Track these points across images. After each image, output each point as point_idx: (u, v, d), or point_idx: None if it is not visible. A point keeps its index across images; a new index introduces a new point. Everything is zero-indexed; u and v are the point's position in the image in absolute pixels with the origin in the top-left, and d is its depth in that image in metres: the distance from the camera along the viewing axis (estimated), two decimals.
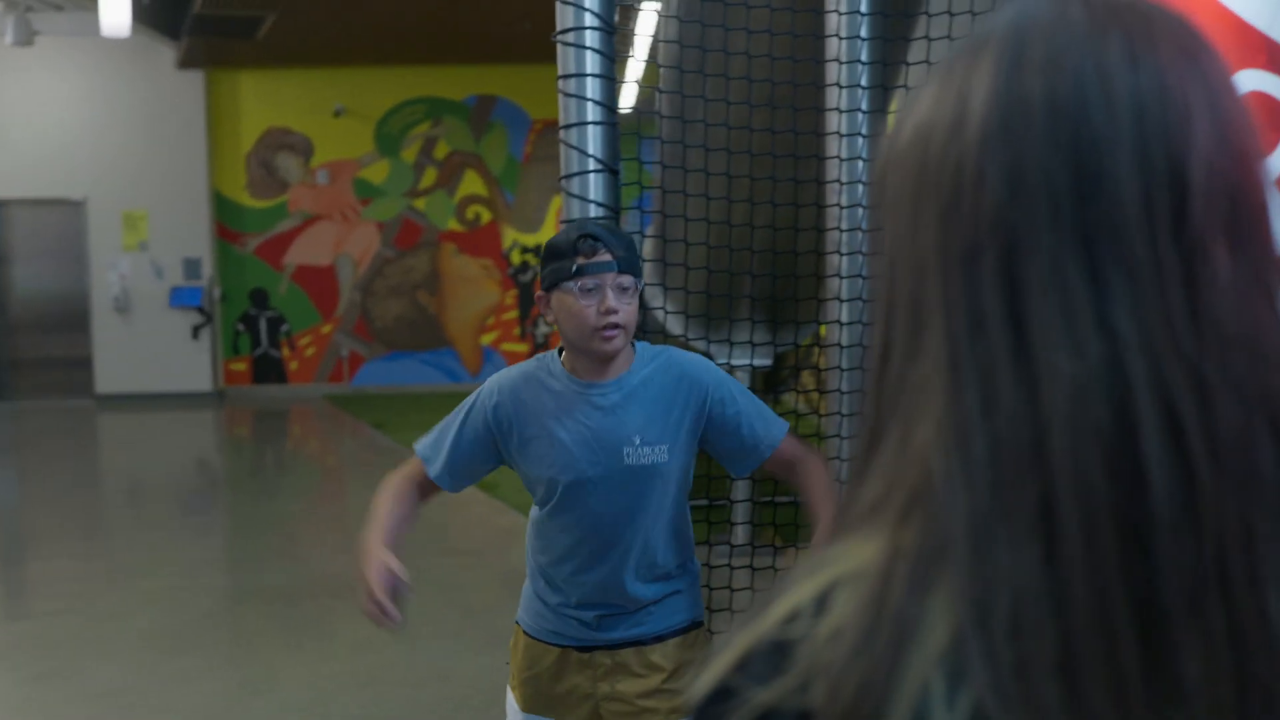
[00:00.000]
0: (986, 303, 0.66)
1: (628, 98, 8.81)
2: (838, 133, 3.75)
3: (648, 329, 5.45)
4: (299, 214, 15.76)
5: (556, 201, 15.79)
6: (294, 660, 5.40)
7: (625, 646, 2.55)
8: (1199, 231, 0.65)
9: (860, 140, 3.75)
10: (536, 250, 16.10)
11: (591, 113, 3.13)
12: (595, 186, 3.14)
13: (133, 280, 15.21)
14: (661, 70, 4.29)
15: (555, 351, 2.56)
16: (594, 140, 3.14)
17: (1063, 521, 0.63)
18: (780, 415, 2.63)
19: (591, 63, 3.13)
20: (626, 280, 2.42)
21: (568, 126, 3.16)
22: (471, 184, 16.01)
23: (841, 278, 3.76)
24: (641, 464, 2.46)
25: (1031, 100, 0.66)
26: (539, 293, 2.50)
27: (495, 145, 16.00)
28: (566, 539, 2.54)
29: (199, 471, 11.44)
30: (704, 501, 4.47)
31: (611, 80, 3.20)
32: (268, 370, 15.87)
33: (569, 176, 3.16)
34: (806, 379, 7.08)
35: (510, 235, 16.07)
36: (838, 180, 3.77)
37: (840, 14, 3.74)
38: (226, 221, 15.62)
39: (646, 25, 6.01)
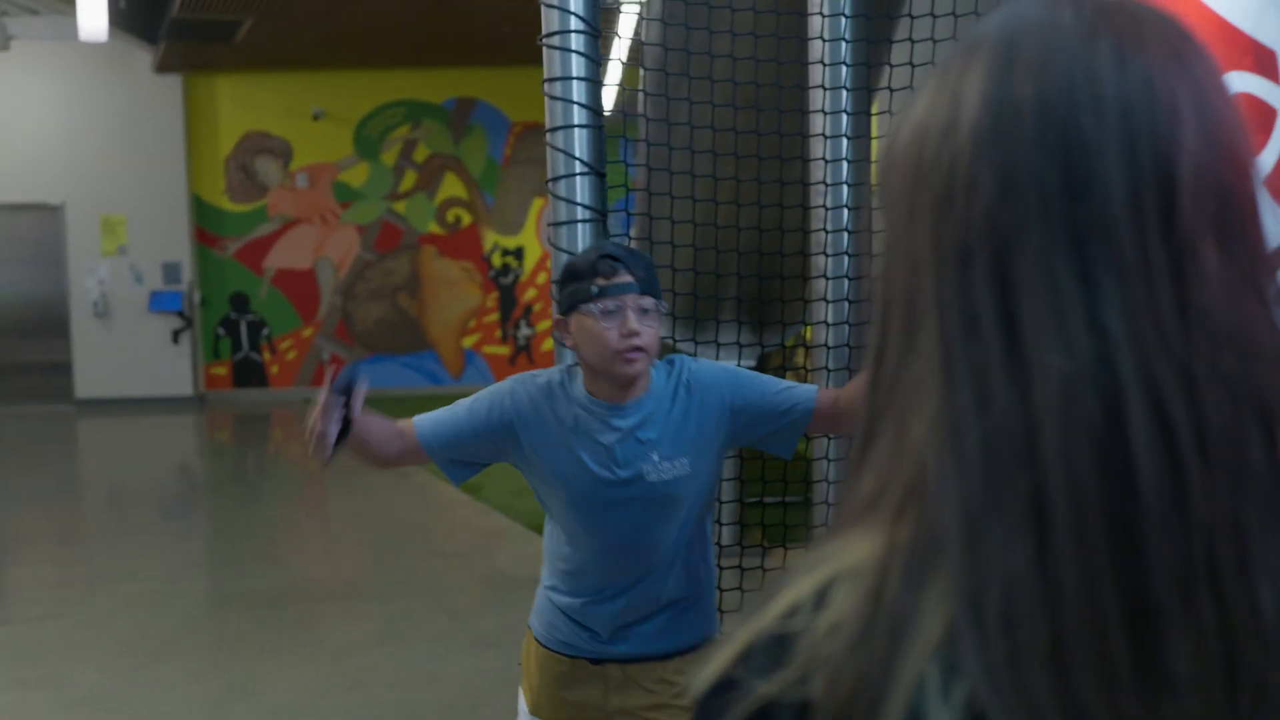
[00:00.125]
0: (979, 302, 0.67)
1: (607, 100, 8.81)
2: (822, 134, 3.77)
3: None
4: (279, 218, 15.72)
5: (537, 204, 15.80)
6: (277, 665, 5.39)
7: (637, 661, 2.51)
8: (1188, 230, 0.65)
9: (844, 142, 3.76)
10: (517, 253, 16.10)
11: (578, 116, 3.14)
12: (582, 189, 3.14)
13: (112, 285, 15.15)
14: (644, 73, 4.29)
15: (576, 368, 2.50)
16: (580, 143, 3.14)
17: (1053, 516, 0.64)
18: None
19: (577, 66, 3.14)
20: (647, 302, 2.37)
21: (554, 129, 3.16)
22: (451, 187, 16.00)
23: (827, 279, 3.77)
24: (663, 480, 2.42)
25: (1022, 103, 0.67)
26: (556, 316, 2.45)
27: (475, 148, 15.99)
28: (586, 554, 2.49)
29: (180, 476, 11.40)
30: None
31: (597, 83, 3.21)
32: (249, 374, 15.83)
33: (556, 179, 3.16)
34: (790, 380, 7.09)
35: (491, 238, 16.07)
36: (822, 182, 3.78)
37: (823, 16, 3.76)
38: (206, 225, 15.57)
39: (626, 27, 6.02)
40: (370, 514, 8.73)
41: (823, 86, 3.76)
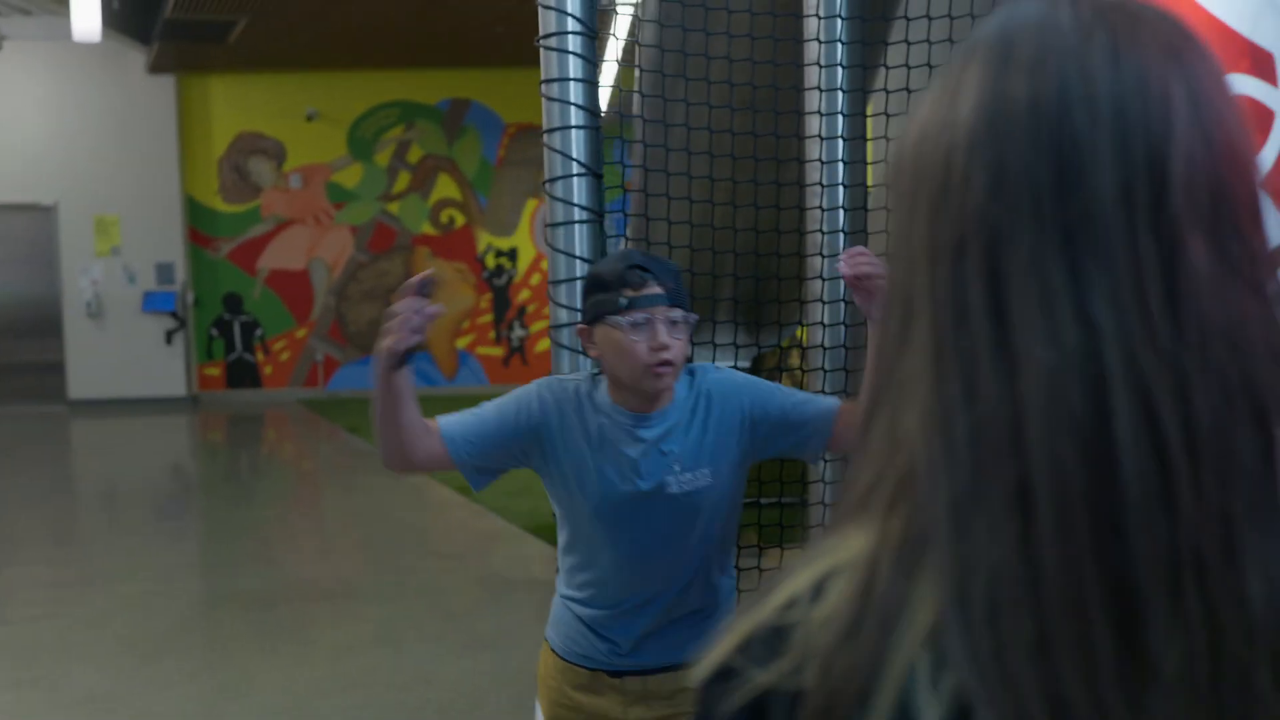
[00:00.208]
0: (970, 295, 0.68)
1: (602, 101, 8.81)
2: (818, 136, 3.77)
3: None
4: (272, 218, 15.72)
5: (530, 205, 15.81)
6: (271, 665, 5.39)
7: (657, 672, 2.46)
8: (1178, 224, 0.66)
9: (840, 143, 3.77)
10: (511, 254, 16.10)
11: (575, 117, 3.14)
12: (579, 190, 3.15)
13: (105, 285, 15.14)
14: (639, 74, 4.30)
15: (600, 376, 2.44)
16: (577, 144, 3.15)
17: (1037, 505, 0.64)
18: None
19: (574, 67, 3.14)
20: (677, 314, 2.31)
21: (551, 130, 3.17)
22: (445, 188, 16.00)
23: (823, 280, 3.78)
24: (685, 491, 2.37)
25: (1016, 101, 0.68)
26: (580, 325, 2.39)
27: (468, 149, 15.99)
28: (606, 565, 2.45)
29: (174, 477, 11.39)
30: None
31: (594, 84, 3.22)
32: (242, 375, 15.82)
33: (553, 180, 3.17)
34: (785, 381, 7.10)
35: (484, 239, 16.07)
36: (818, 183, 3.79)
37: (819, 18, 3.77)
38: (199, 226, 15.56)
39: (620, 28, 6.02)
40: (365, 515, 8.73)
41: (819, 88, 3.77)
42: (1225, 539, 0.65)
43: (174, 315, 15.32)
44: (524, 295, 16.17)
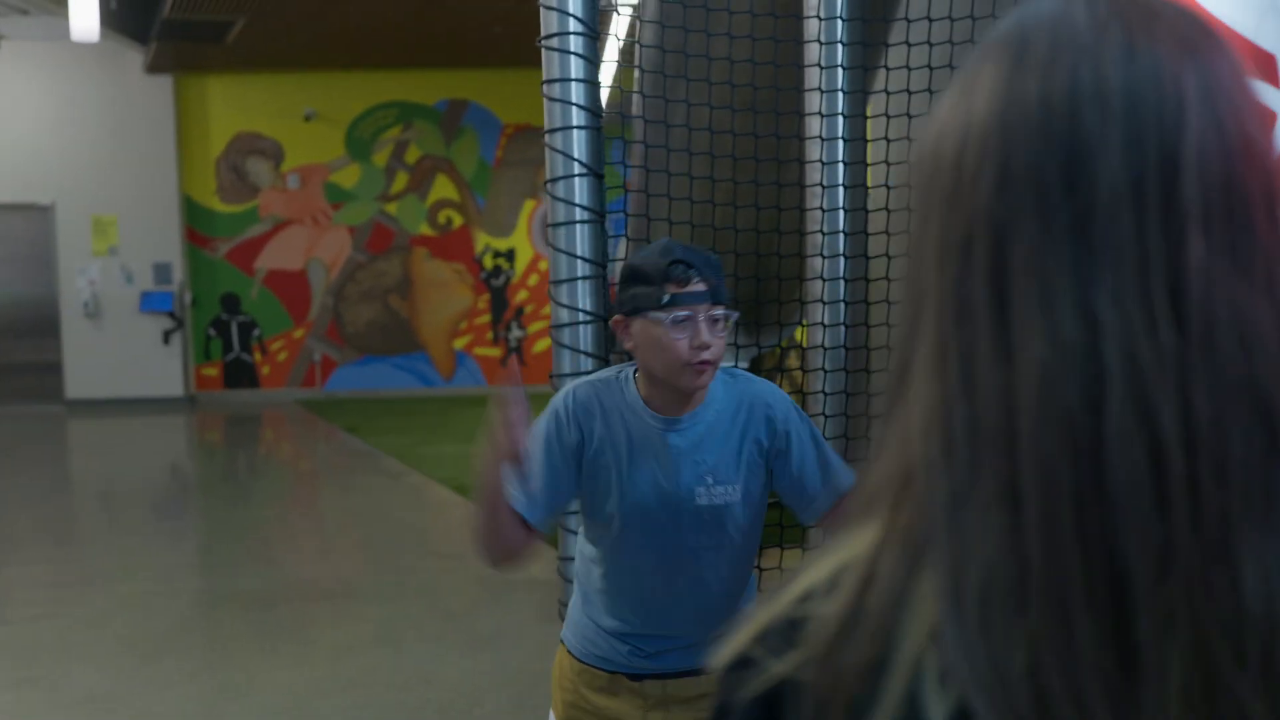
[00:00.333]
0: (975, 291, 0.68)
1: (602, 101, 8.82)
2: (818, 137, 3.78)
3: None
4: (270, 219, 15.72)
5: (528, 206, 15.81)
6: (271, 665, 5.39)
7: (677, 677, 2.42)
8: (1186, 219, 0.66)
9: (840, 144, 3.78)
10: (509, 254, 16.11)
11: (576, 117, 3.15)
12: (580, 190, 3.15)
13: (102, 285, 15.14)
14: (639, 74, 4.30)
15: (631, 373, 2.36)
16: (579, 144, 3.15)
17: (1025, 499, 0.65)
18: None
19: (576, 68, 3.15)
20: (719, 312, 2.24)
21: (553, 131, 3.17)
22: (443, 188, 16.00)
23: (823, 280, 3.79)
24: (713, 504, 2.31)
25: (1028, 99, 0.68)
26: (617, 315, 2.32)
27: (466, 149, 16.00)
28: (629, 574, 2.40)
29: (172, 477, 11.39)
30: None
31: (595, 85, 3.22)
32: (240, 375, 15.82)
33: (554, 180, 3.17)
34: (783, 382, 7.11)
35: (482, 239, 16.07)
36: (818, 183, 3.80)
37: (820, 19, 3.77)
38: (197, 226, 15.56)
39: (618, 27, 6.02)
40: (365, 515, 8.73)
41: (819, 89, 3.78)
42: (1222, 537, 0.64)
43: (171, 315, 15.32)
44: (522, 296, 16.17)
